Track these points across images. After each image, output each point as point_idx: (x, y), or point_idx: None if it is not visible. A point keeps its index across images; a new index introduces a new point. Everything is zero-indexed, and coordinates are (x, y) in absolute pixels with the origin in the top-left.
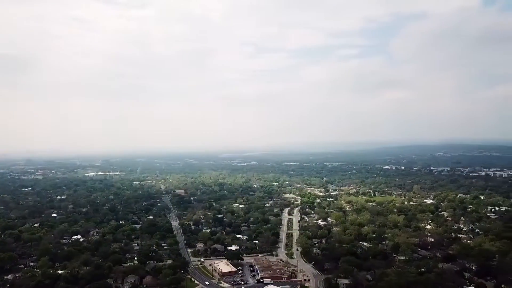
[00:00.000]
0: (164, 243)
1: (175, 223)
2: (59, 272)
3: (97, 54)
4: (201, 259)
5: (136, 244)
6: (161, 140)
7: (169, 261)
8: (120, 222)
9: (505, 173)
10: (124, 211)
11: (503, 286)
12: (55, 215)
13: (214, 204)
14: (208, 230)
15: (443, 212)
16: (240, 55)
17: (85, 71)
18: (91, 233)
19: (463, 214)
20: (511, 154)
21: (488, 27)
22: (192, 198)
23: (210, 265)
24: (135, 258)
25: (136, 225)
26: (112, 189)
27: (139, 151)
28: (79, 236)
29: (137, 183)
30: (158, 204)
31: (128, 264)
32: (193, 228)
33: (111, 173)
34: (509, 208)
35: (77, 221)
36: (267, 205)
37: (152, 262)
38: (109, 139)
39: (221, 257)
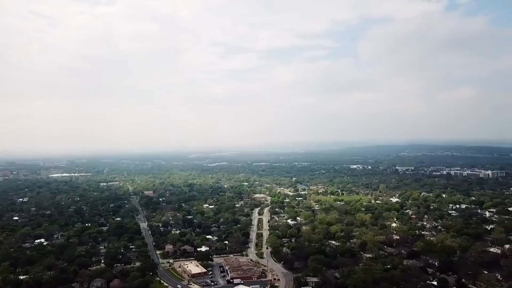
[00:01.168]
0: (132, 245)
1: (143, 225)
2: (21, 277)
3: (60, 52)
4: (171, 261)
5: (103, 247)
6: (128, 140)
7: (138, 264)
8: (86, 224)
9: (465, 172)
10: (91, 213)
11: (463, 280)
12: (16, 218)
13: (183, 205)
14: (178, 232)
15: (407, 210)
16: (210, 55)
17: (47, 69)
18: (55, 236)
19: (427, 212)
20: (471, 154)
21: (450, 32)
22: (161, 199)
23: (179, 266)
24: (102, 261)
25: (103, 227)
26: (77, 190)
27: (106, 151)
28: (42, 240)
29: (104, 184)
30: (126, 206)
31: (94, 268)
32: (162, 230)
33: (76, 174)
34: (469, 206)
35: (40, 224)
36: (237, 205)
37: (119, 265)
38: (73, 139)
39: (191, 258)
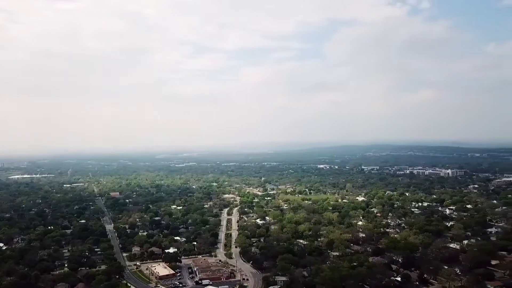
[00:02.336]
0: (97, 248)
1: (109, 227)
2: None
3: (22, 48)
4: (138, 263)
5: (66, 250)
6: (93, 140)
7: (103, 267)
8: (49, 227)
9: (427, 171)
10: (54, 216)
11: (425, 276)
12: None
13: (151, 206)
14: (145, 233)
15: (373, 209)
16: (179, 54)
17: (7, 66)
18: (15, 240)
19: (391, 210)
20: (432, 153)
21: (412, 36)
22: (127, 200)
23: (147, 268)
24: (66, 265)
25: (66, 230)
26: (39, 192)
27: (70, 152)
28: (1, 244)
29: (68, 185)
30: (91, 208)
31: (57, 272)
32: (129, 232)
33: (38, 175)
34: (431, 204)
35: None
36: (206, 206)
37: (84, 268)
38: (35, 139)
39: (159, 260)
